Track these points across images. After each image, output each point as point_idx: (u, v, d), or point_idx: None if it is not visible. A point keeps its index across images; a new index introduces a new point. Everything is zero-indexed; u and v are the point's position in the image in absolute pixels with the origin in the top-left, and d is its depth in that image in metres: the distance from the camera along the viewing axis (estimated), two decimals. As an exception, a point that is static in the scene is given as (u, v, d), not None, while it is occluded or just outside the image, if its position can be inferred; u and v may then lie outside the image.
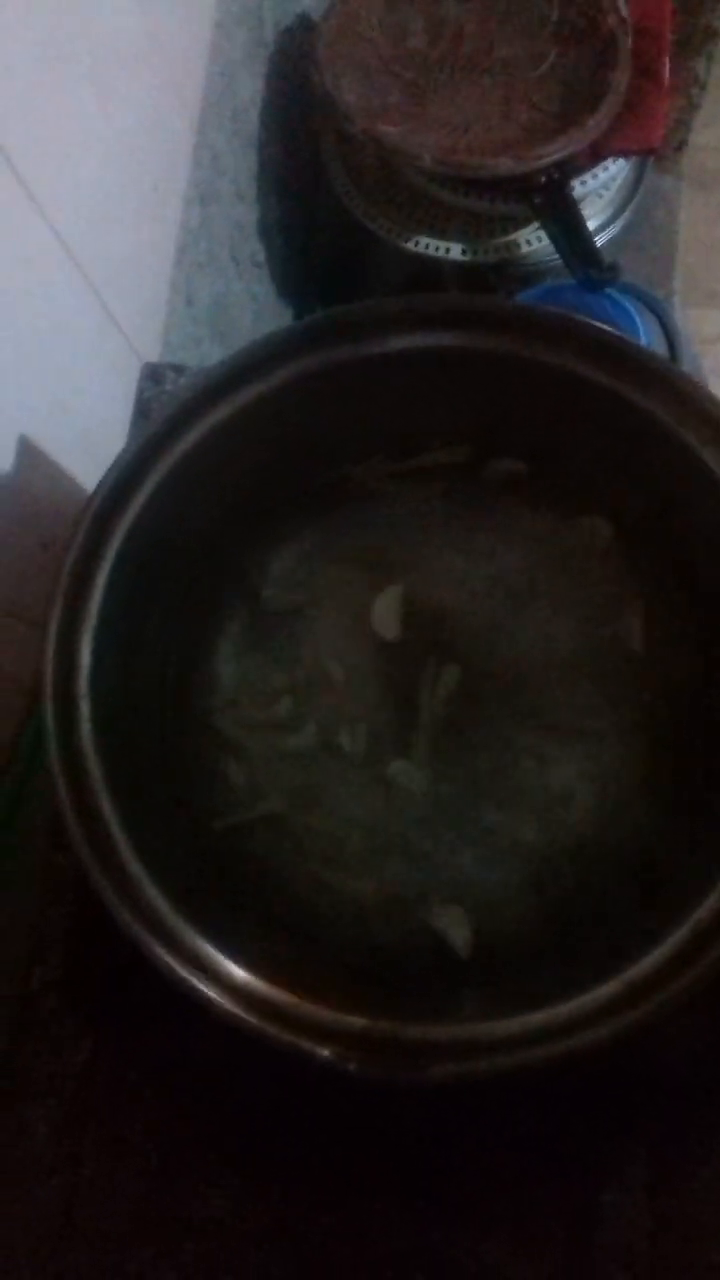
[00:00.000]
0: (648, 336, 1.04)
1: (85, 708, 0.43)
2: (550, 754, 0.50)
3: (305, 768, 0.51)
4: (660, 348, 1.06)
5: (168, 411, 0.46)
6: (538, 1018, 0.37)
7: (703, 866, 0.39)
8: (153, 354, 0.86)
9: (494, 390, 0.47)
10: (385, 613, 0.51)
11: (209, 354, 1.02)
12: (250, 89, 1.07)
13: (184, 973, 0.39)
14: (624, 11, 0.92)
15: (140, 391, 0.64)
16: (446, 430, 0.51)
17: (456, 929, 0.47)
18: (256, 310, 1.19)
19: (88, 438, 0.71)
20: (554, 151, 0.93)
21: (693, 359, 1.09)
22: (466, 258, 1.10)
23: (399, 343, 0.44)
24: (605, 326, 0.41)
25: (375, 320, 0.44)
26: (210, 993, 0.39)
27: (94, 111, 0.68)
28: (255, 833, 0.50)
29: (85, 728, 0.43)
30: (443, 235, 1.10)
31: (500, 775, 0.51)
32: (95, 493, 0.45)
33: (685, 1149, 0.49)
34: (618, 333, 0.41)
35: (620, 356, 0.42)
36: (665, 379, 0.42)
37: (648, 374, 0.42)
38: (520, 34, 0.98)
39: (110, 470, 0.46)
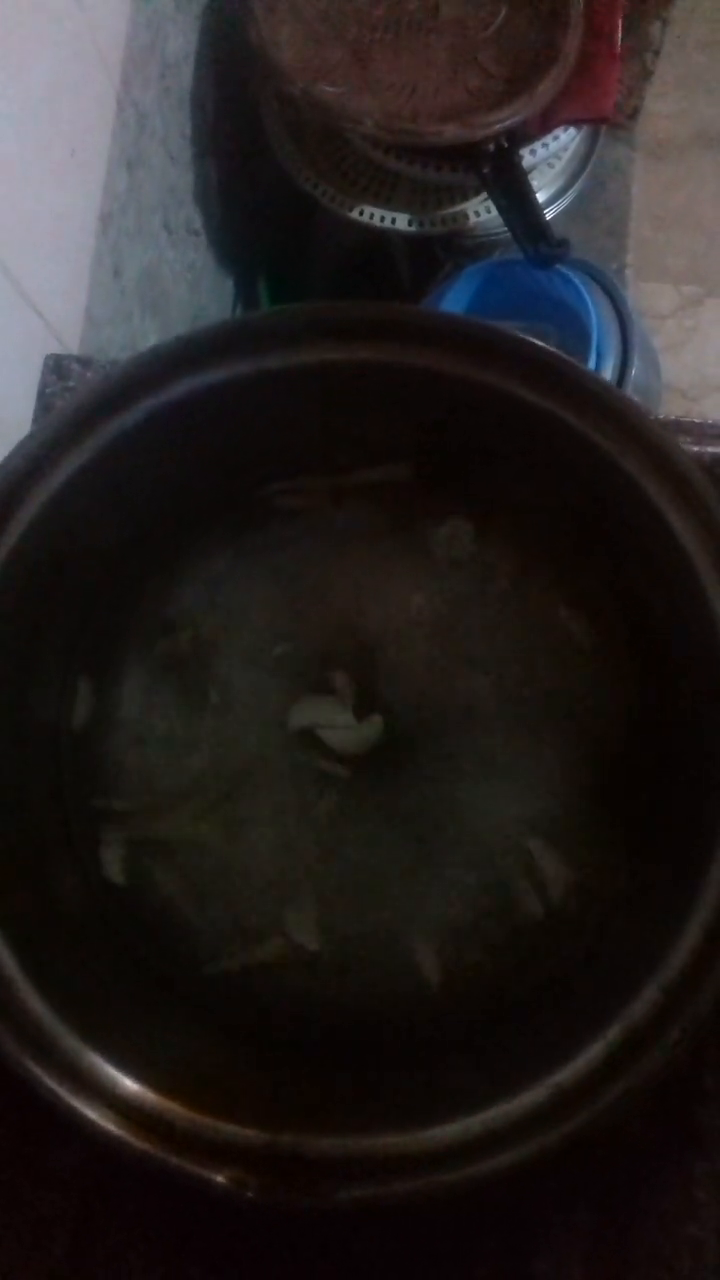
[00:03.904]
0: (598, 313, 1.00)
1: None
2: (486, 805, 0.46)
3: (216, 823, 0.47)
4: (610, 325, 1.02)
5: (64, 415, 0.41)
6: (452, 1130, 0.34)
7: (638, 951, 0.35)
8: (74, 330, 0.80)
9: (425, 406, 0.42)
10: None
11: (140, 328, 0.96)
12: (181, 44, 1.00)
13: (55, 1086, 0.34)
14: (576, -30, 0.86)
15: (43, 386, 0.59)
16: (378, 446, 0.46)
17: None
18: (193, 280, 1.12)
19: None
20: (503, 119, 0.88)
21: (643, 336, 1.05)
22: (413, 229, 1.05)
23: (310, 355, 0.40)
24: (539, 342, 0.37)
25: (284, 330, 0.39)
26: (88, 1111, 0.34)
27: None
28: (155, 905, 0.45)
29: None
30: (389, 204, 1.05)
31: (434, 827, 0.46)
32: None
33: (629, 1213, 0.46)
34: (552, 349, 0.37)
35: (555, 376, 0.37)
36: (601, 400, 0.37)
37: (583, 395, 0.37)
38: (468, -9, 0.92)
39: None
